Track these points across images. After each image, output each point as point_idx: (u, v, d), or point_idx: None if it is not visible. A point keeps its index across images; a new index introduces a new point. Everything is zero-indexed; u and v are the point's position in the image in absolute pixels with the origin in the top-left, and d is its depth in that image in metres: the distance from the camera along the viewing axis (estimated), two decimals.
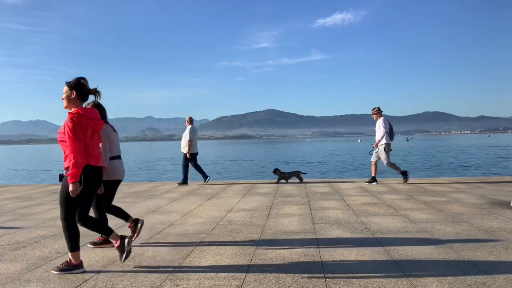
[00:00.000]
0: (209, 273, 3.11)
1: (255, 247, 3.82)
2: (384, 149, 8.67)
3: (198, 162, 9.67)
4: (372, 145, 9.13)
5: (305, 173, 9.94)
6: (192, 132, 9.51)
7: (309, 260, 3.36)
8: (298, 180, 9.52)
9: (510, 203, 5.84)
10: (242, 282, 2.90)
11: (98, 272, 3.21)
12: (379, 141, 8.78)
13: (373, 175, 8.94)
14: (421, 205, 5.91)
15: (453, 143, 75.43)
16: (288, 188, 8.41)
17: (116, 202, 7.01)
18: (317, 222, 4.87)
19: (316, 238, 4.09)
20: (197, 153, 9.63)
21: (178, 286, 2.87)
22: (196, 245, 3.94)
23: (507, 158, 30.40)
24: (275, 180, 9.56)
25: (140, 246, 3.99)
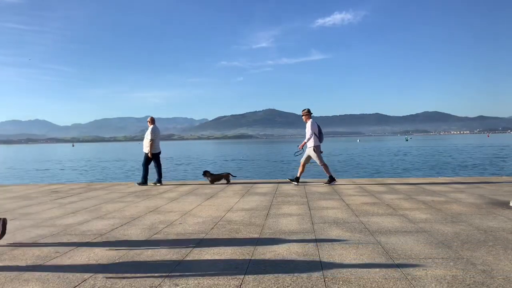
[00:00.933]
0: (208, 273, 3.11)
1: (254, 246, 3.82)
2: (314, 151, 8.83)
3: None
4: (298, 146, 9.32)
5: (235, 176, 10.00)
6: (154, 132, 9.60)
7: (308, 260, 3.37)
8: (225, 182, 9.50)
9: (509, 203, 5.84)
10: (241, 282, 2.90)
11: (97, 271, 3.21)
12: (305, 143, 8.96)
13: (298, 175, 9.06)
14: (420, 205, 5.92)
15: (452, 143, 75.48)
16: (288, 188, 8.41)
17: (115, 201, 7.03)
18: (316, 222, 4.87)
19: (315, 238, 4.09)
20: (159, 153, 9.75)
21: (177, 285, 2.87)
22: (195, 245, 3.94)
23: (506, 158, 30.43)
24: (275, 180, 9.57)
25: (139, 245, 3.99)
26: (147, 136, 9.61)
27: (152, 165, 9.74)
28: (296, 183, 8.98)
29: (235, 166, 29.66)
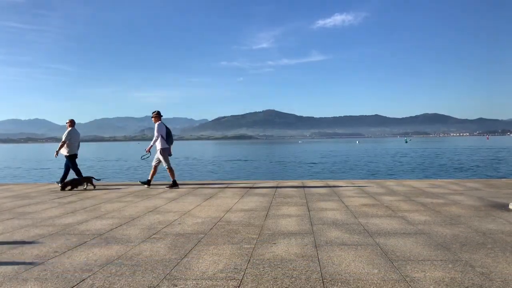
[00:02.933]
0: (207, 273, 3.11)
1: (253, 247, 3.82)
2: (161, 153, 8.95)
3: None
4: (145, 149, 9.34)
5: (99, 179, 9.88)
6: (69, 134, 9.67)
7: (307, 261, 3.36)
8: (92, 187, 9.11)
9: (508, 206, 5.84)
10: (239, 283, 2.90)
11: (96, 271, 3.21)
12: (151, 145, 9.08)
13: (149, 178, 9.17)
14: (419, 207, 5.92)
15: (451, 145, 75.50)
16: (287, 189, 8.41)
17: (114, 201, 7.03)
18: (315, 223, 4.87)
19: (314, 239, 4.09)
20: (75, 155, 9.82)
21: (176, 286, 2.86)
22: (194, 245, 3.94)
23: (505, 160, 30.44)
24: (275, 181, 9.56)
25: (137, 246, 3.99)
26: (62, 138, 9.76)
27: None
28: (147, 186, 9.18)
29: (234, 167, 29.65)
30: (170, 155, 9.19)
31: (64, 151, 9.71)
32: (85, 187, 8.96)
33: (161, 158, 8.96)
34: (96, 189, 8.92)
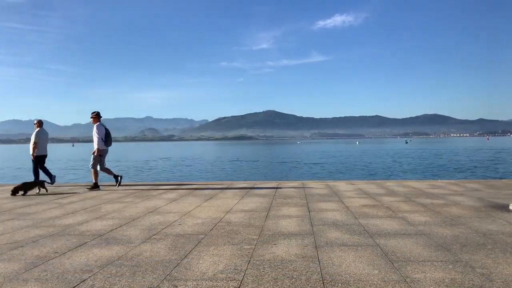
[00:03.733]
0: (207, 274, 3.11)
1: (253, 248, 3.82)
2: (95, 153, 9.07)
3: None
4: (92, 152, 9.27)
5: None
6: (37, 135, 9.64)
7: (307, 262, 3.36)
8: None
9: (508, 206, 5.84)
10: (240, 284, 2.90)
11: (96, 272, 3.21)
12: (97, 148, 9.13)
13: (94, 181, 9.18)
14: (419, 208, 5.92)
15: (452, 146, 75.47)
16: (287, 189, 8.41)
17: (115, 202, 7.03)
18: (315, 224, 4.87)
19: (315, 240, 4.09)
20: (44, 155, 9.81)
21: (176, 286, 2.86)
22: (195, 246, 3.94)
23: (505, 161, 30.43)
24: (275, 182, 9.55)
25: (138, 246, 3.99)
26: (31, 139, 9.71)
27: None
28: (97, 189, 9.13)
29: (234, 168, 29.66)
30: (106, 155, 9.38)
31: (31, 152, 9.64)
32: (38, 191, 8.70)
33: (93, 156, 9.10)
34: (95, 190, 8.92)
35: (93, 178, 9.11)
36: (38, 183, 8.80)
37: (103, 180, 10.11)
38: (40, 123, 9.90)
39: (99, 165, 9.21)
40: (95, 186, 9.09)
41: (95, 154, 9.09)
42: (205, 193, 8.06)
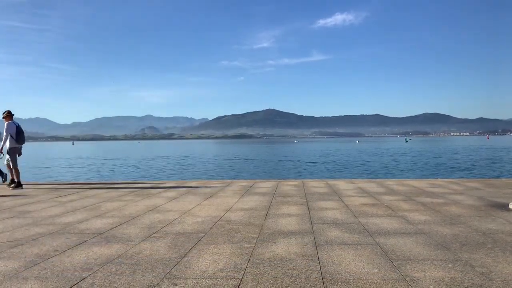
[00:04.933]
0: (207, 273, 3.11)
1: (253, 246, 3.82)
2: (8, 152, 9.16)
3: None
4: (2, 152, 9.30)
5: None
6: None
7: (307, 261, 3.37)
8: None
9: (508, 205, 5.84)
10: (239, 282, 2.90)
11: (96, 270, 3.21)
12: (2, 146, 9.18)
13: (16, 179, 9.18)
14: (419, 207, 5.92)
15: (452, 145, 75.48)
16: (287, 188, 8.41)
17: (115, 200, 7.03)
18: (315, 223, 4.87)
19: (314, 239, 4.09)
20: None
21: (176, 285, 2.87)
22: (194, 244, 3.94)
23: (505, 160, 30.44)
24: (275, 180, 9.55)
25: (137, 245, 3.99)
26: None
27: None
28: (20, 188, 9.13)
29: (234, 166, 29.67)
30: (20, 154, 9.41)
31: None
32: None
33: (8, 157, 9.18)
34: (96, 188, 8.91)
35: (16, 177, 9.14)
36: None
37: (106, 177, 10.07)
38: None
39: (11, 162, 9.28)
40: (19, 185, 9.14)
41: (7, 152, 9.17)
42: (205, 191, 8.06)
